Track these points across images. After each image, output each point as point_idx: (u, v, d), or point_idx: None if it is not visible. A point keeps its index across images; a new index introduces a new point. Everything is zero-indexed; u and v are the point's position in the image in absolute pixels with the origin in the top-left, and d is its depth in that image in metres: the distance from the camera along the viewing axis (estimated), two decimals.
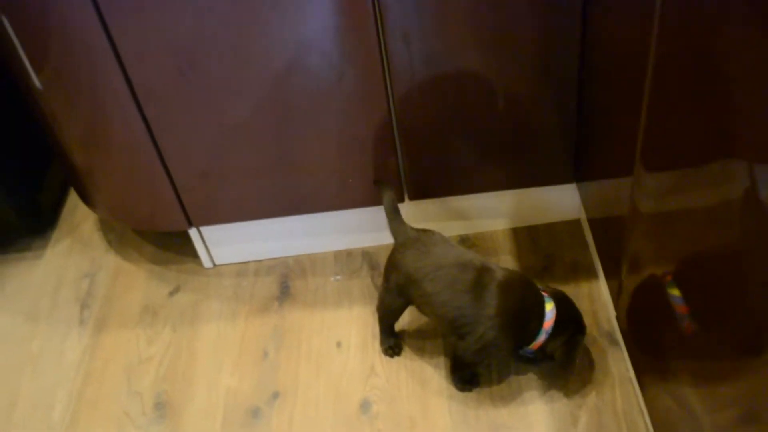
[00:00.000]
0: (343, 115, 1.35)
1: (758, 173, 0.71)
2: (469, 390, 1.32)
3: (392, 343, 1.39)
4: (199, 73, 1.27)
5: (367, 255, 1.59)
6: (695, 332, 0.94)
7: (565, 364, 1.29)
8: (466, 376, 1.32)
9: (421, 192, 1.49)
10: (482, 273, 1.23)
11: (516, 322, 1.23)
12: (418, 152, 1.41)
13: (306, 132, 1.37)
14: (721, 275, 0.84)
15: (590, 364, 1.33)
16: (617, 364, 1.32)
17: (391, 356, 1.39)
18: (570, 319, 1.28)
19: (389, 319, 1.37)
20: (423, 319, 1.42)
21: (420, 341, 1.40)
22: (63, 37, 1.24)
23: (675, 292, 0.98)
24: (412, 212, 1.55)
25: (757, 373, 0.79)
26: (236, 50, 1.25)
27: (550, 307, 1.25)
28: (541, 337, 1.25)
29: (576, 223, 1.57)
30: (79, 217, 1.78)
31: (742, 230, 0.77)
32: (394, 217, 1.34)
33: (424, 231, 1.30)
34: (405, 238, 1.30)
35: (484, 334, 1.21)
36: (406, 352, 1.39)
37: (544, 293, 1.27)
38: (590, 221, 1.47)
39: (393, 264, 1.29)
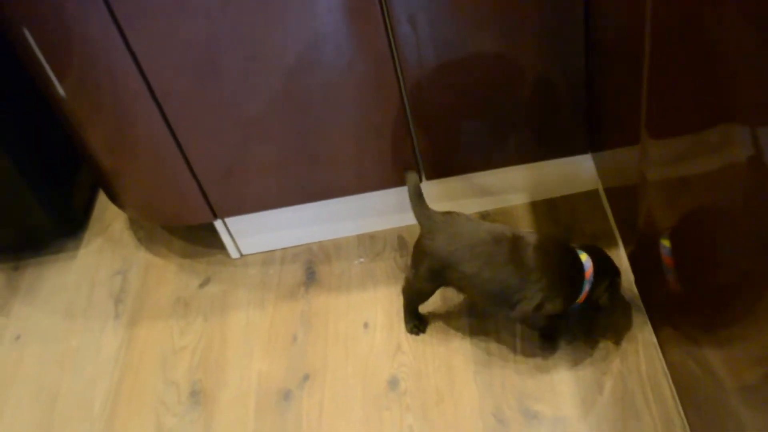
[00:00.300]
0: (357, 103, 1.38)
1: (757, 136, 0.72)
2: (553, 343, 1.35)
3: (417, 322, 1.42)
4: (215, 71, 1.31)
5: (389, 236, 1.62)
6: (680, 290, 0.95)
7: (611, 308, 1.33)
8: (548, 330, 1.35)
9: (439, 171, 1.51)
10: (516, 242, 1.25)
11: (560, 279, 1.26)
12: (432, 133, 1.43)
13: (322, 122, 1.40)
14: (725, 238, 0.86)
15: (614, 330, 1.34)
16: (641, 329, 1.33)
17: (417, 334, 1.42)
18: (605, 265, 1.31)
19: (418, 302, 1.40)
20: (443, 295, 1.45)
21: (443, 316, 1.43)
22: (83, 46, 1.29)
23: (666, 243, 1.00)
24: (431, 192, 1.57)
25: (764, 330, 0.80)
26: (247, 48, 1.28)
27: (585, 258, 1.27)
28: (586, 288, 1.27)
29: (594, 193, 1.58)
30: (109, 217, 1.83)
31: (743, 191, 0.79)
32: (418, 203, 1.33)
33: (449, 213, 1.31)
34: (431, 222, 1.30)
35: (533, 297, 1.24)
36: (430, 327, 1.42)
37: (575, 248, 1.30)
38: (607, 190, 1.48)
39: (423, 250, 1.29)
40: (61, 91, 1.38)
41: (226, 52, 1.28)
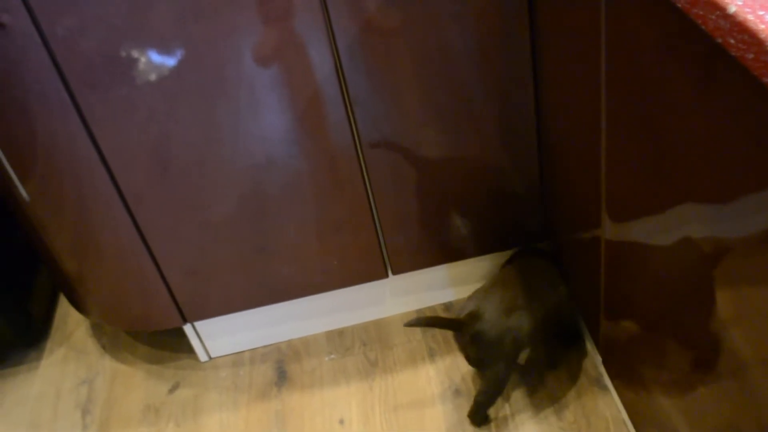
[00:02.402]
0: (322, 202, 1.42)
1: (709, 215, 0.79)
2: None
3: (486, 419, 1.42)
4: (182, 174, 1.34)
5: (357, 332, 1.64)
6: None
7: None
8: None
9: (404, 266, 1.55)
10: (526, 262, 1.44)
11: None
12: (398, 228, 1.48)
13: (286, 221, 1.44)
14: (682, 311, 0.92)
15: (584, 412, 1.38)
16: (609, 408, 1.38)
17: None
18: None
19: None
20: (419, 387, 1.47)
21: (416, 408, 1.45)
22: (50, 148, 1.30)
23: None
24: (397, 285, 1.62)
25: (734, 401, 0.86)
26: (212, 152, 1.32)
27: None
28: None
29: None
30: (71, 325, 1.81)
31: (699, 266, 0.85)
32: (451, 323, 1.37)
33: (468, 299, 1.40)
34: (472, 322, 1.33)
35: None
36: (404, 420, 1.44)
37: None
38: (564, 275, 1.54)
39: (496, 337, 1.31)
40: (24, 193, 1.38)
41: (191, 155, 1.32)
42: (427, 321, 1.38)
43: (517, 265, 1.43)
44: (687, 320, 0.94)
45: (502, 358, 1.33)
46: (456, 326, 1.36)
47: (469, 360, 1.40)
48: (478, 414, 1.38)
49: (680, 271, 0.92)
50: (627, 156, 0.98)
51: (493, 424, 1.39)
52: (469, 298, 1.40)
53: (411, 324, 1.34)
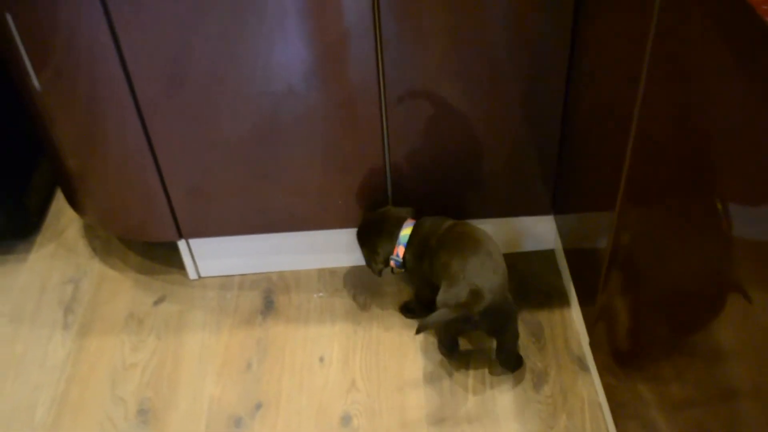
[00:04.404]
0: (336, 139, 1.40)
1: (733, 213, 0.78)
2: None
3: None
4: (199, 89, 1.32)
5: (349, 274, 1.63)
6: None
7: None
8: None
9: None
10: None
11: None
12: (407, 177, 1.47)
13: (297, 153, 1.42)
14: (683, 304, 0.91)
15: (561, 389, 1.39)
16: (587, 389, 1.38)
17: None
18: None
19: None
20: (403, 337, 1.47)
21: (397, 358, 1.45)
22: (70, 41, 1.27)
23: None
24: None
25: (713, 402, 0.85)
26: (232, 70, 1.30)
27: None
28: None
29: (550, 253, 1.63)
30: (64, 222, 1.80)
31: (709, 268, 0.84)
32: (460, 312, 1.29)
33: (455, 281, 1.33)
34: (477, 294, 1.29)
35: None
36: (384, 368, 1.44)
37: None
38: (567, 251, 1.53)
39: (501, 302, 1.32)
40: (36, 82, 1.35)
41: (211, 71, 1.29)
42: (437, 320, 1.30)
43: (475, 231, 1.40)
44: (686, 323, 0.93)
45: (513, 317, 1.37)
46: (465, 312, 1.28)
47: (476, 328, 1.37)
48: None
49: (689, 271, 0.91)
50: (657, 140, 0.96)
51: (470, 388, 1.40)
52: (456, 279, 1.32)
53: (422, 329, 1.30)
